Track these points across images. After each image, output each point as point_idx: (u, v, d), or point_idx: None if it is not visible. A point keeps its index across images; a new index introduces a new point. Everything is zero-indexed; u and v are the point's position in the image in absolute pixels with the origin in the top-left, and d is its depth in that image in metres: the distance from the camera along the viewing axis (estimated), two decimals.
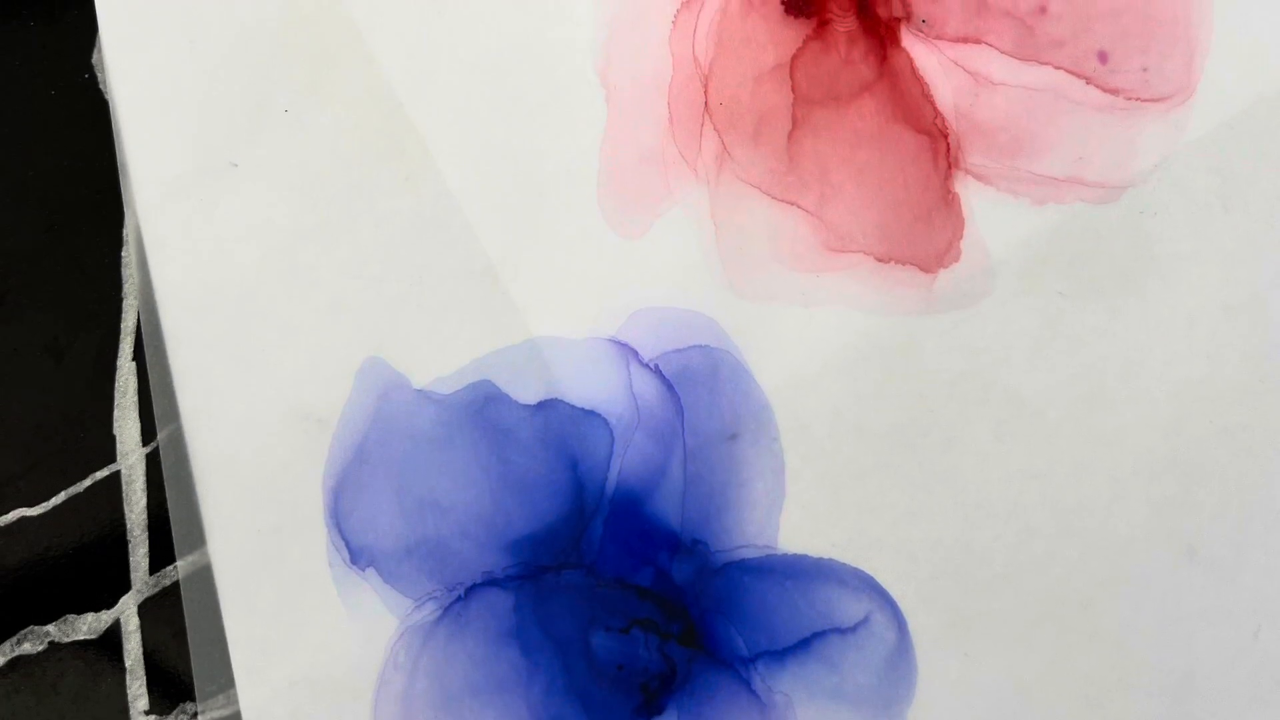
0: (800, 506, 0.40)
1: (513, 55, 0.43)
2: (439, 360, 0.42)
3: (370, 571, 0.41)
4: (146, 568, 0.42)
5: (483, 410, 0.41)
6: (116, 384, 0.43)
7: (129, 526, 0.42)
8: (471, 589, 0.40)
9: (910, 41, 0.41)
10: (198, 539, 0.41)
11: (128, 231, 0.43)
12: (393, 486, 0.41)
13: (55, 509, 0.41)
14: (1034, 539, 0.39)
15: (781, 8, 0.42)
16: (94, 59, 0.44)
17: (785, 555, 0.40)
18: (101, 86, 0.44)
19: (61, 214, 0.43)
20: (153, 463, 0.42)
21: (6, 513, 0.42)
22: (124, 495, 0.43)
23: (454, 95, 0.43)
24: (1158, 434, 0.39)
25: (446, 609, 0.40)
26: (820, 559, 0.39)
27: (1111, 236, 0.40)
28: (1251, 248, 0.40)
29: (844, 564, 0.39)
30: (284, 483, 0.41)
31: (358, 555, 0.41)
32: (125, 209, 0.42)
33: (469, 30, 0.43)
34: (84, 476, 0.42)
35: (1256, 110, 0.40)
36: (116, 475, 0.42)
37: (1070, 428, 0.39)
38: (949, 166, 0.41)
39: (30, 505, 0.42)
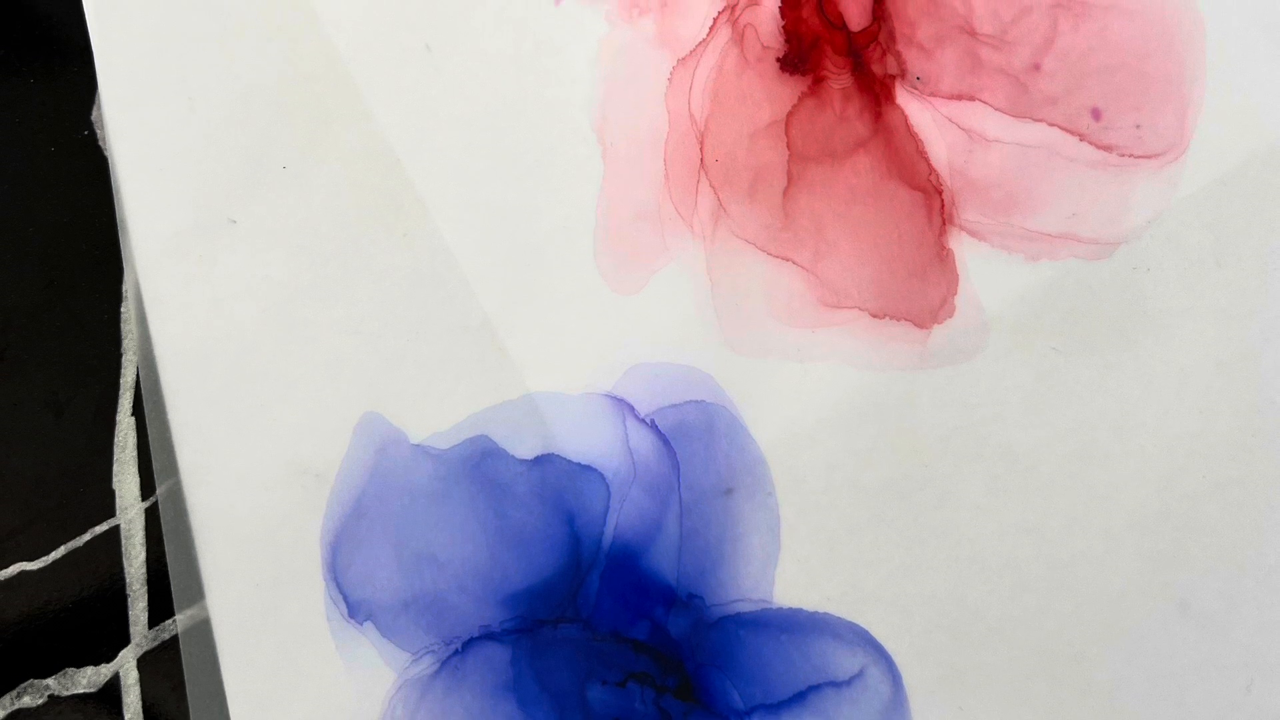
0: (795, 561, 0.40)
1: (510, 112, 0.43)
2: (436, 415, 0.42)
3: (368, 625, 0.41)
4: (145, 621, 0.43)
5: (480, 465, 0.41)
6: (116, 439, 0.43)
7: (128, 580, 0.43)
8: (469, 643, 0.41)
9: (905, 98, 0.41)
10: (196, 593, 0.41)
11: (127, 287, 0.43)
12: (390, 541, 0.41)
13: (55, 563, 0.42)
14: (1027, 593, 0.39)
15: (777, 65, 0.42)
16: (93, 116, 0.45)
17: (780, 609, 0.40)
18: (101, 143, 0.44)
19: (61, 270, 0.43)
20: (152, 517, 0.43)
21: (6, 567, 0.42)
22: (123, 549, 0.43)
23: (451, 152, 0.43)
24: (1151, 489, 0.39)
25: (444, 662, 0.41)
26: (815, 613, 0.39)
27: (1105, 292, 0.40)
28: (1244, 303, 0.40)
29: (839, 618, 0.39)
30: (282, 537, 0.41)
31: (355, 609, 0.41)
32: (125, 265, 0.43)
33: (466, 87, 0.43)
34: (83, 531, 0.43)
35: (1248, 167, 0.40)
36: (116, 530, 0.42)
37: (1064, 482, 0.40)
38: (943, 223, 0.41)
39: (30, 559, 0.42)
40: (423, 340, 0.42)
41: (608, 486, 0.41)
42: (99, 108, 0.44)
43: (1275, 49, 0.40)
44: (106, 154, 0.43)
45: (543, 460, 0.41)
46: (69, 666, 0.42)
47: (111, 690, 0.41)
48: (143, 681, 0.41)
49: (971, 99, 0.41)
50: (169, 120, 0.43)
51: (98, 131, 0.44)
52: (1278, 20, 0.40)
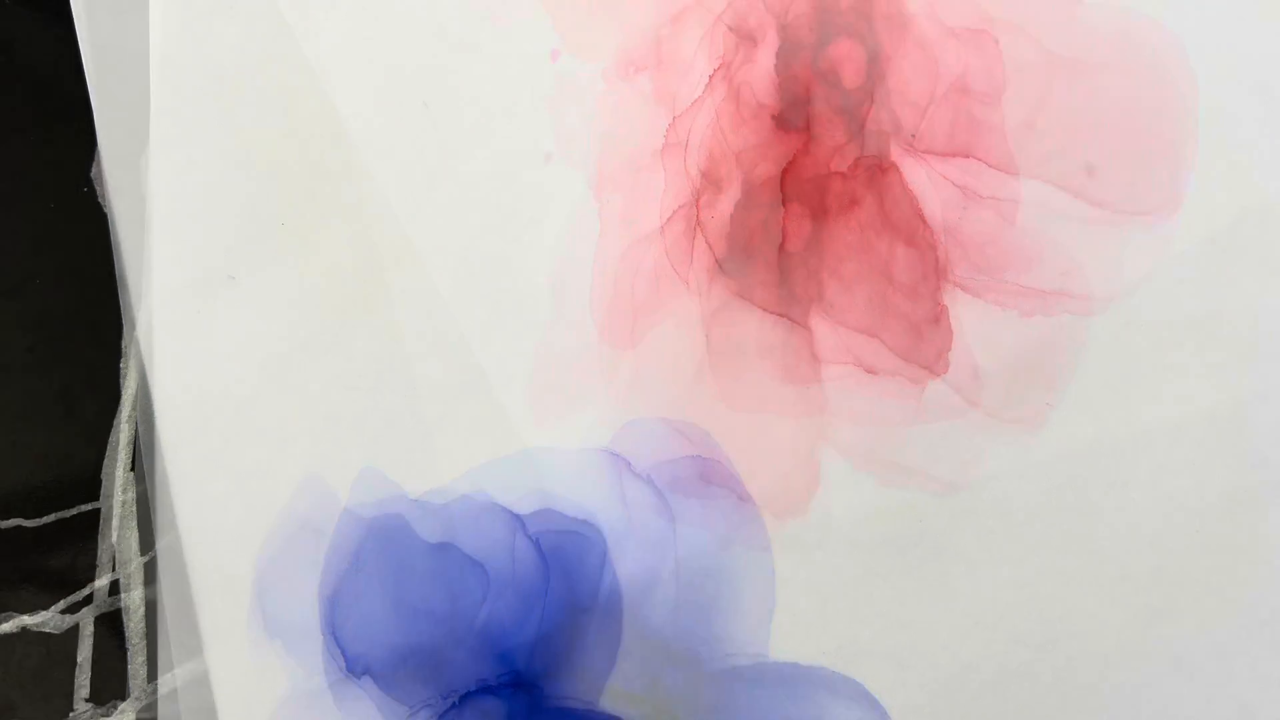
0: (791, 615, 0.41)
1: (506, 168, 0.43)
2: (434, 470, 0.43)
3: (366, 679, 0.42)
4: (145, 675, 0.46)
5: (391, 539, 0.43)
6: (111, 438, 0.47)
7: (127, 635, 0.46)
8: (465, 697, 0.42)
9: (899, 155, 0.42)
10: (195, 648, 0.43)
11: (126, 344, 0.45)
12: (388, 595, 0.43)
13: (47, 526, 0.47)
14: (1021, 648, 0.40)
15: (772, 122, 0.42)
16: (92, 172, 0.46)
17: (776, 663, 0.41)
18: (100, 200, 0.46)
19: (92, 287, 0.46)
20: (151, 571, 0.46)
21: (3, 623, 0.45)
22: (123, 604, 0.46)
23: (449, 209, 0.44)
24: (1143, 544, 0.40)
25: (330, 685, 0.43)
26: (810, 667, 0.40)
27: (1098, 348, 0.41)
28: (1237, 360, 0.40)
29: (834, 672, 0.40)
30: (227, 552, 0.44)
31: (353, 663, 0.42)
32: (124, 322, 0.45)
33: (463, 143, 0.44)
34: (84, 584, 0.46)
35: (1241, 225, 0.41)
36: (96, 511, 0.46)
37: (1057, 538, 0.40)
38: (937, 279, 0.41)
39: (27, 518, 0.47)
40: (419, 396, 0.43)
41: (604, 541, 0.42)
42: (98, 164, 0.46)
43: (1267, 109, 0.41)
44: (106, 210, 0.45)
45: (442, 547, 0.43)
46: (41, 609, 0.47)
47: (71, 636, 0.48)
48: (96, 636, 0.47)
49: (966, 156, 0.42)
50: (168, 177, 0.44)
51: (97, 188, 0.46)
52: (1270, 81, 0.41)
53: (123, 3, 0.45)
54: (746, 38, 0.41)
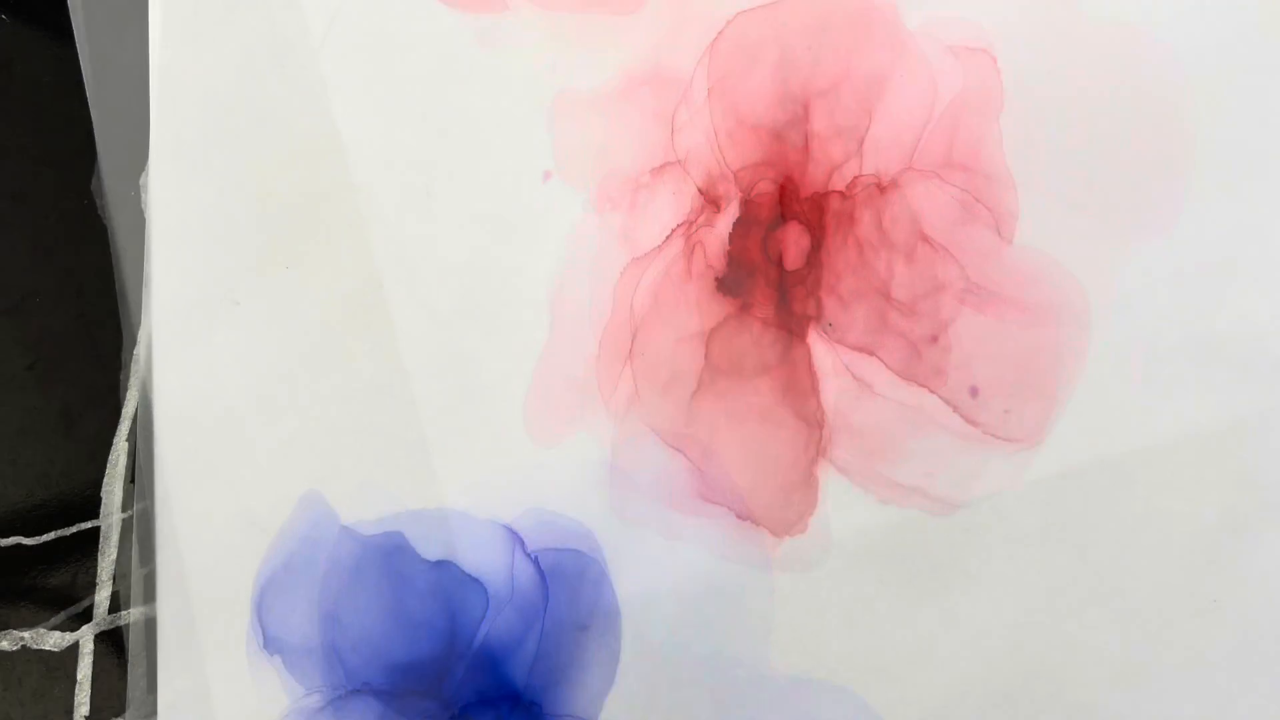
0: (625, 695, 0.46)
1: (483, 266, 0.48)
2: (365, 506, 0.48)
3: (277, 658, 0.47)
4: (144, 692, 0.49)
5: (390, 556, 0.47)
6: (110, 457, 0.50)
7: (128, 652, 0.49)
8: (351, 692, 0.46)
9: (814, 339, 0.46)
10: (150, 595, 0.48)
11: (127, 358, 0.49)
12: (308, 596, 0.48)
13: (47, 544, 0.50)
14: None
15: (715, 283, 0.47)
16: (140, 181, 0.49)
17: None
18: (100, 213, 0.49)
19: (92, 306, 0.50)
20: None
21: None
22: (122, 622, 0.49)
23: (425, 288, 0.48)
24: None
25: (329, 702, 0.47)
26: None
27: (935, 544, 0.45)
28: (1053, 582, 0.44)
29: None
30: (226, 570, 0.48)
31: (270, 642, 0.48)
32: (124, 336, 0.49)
33: (453, 236, 0.48)
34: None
35: (1091, 469, 0.44)
36: (96, 529, 0.49)
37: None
38: (817, 454, 0.46)
39: (27, 536, 0.49)
40: (367, 440, 0.48)
41: (488, 600, 0.46)
42: (98, 178, 0.49)
43: (1149, 369, 0.44)
44: (106, 224, 0.49)
45: (441, 565, 0.47)
46: (41, 626, 0.49)
47: (71, 654, 0.49)
48: (96, 653, 0.49)
49: (871, 354, 0.46)
50: (200, 206, 0.49)
51: (97, 201, 0.49)
52: (1156, 345, 0.44)
53: (121, 18, 0.49)
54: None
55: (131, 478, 0.49)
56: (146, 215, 0.48)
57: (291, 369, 0.48)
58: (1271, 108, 0.44)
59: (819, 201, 0.46)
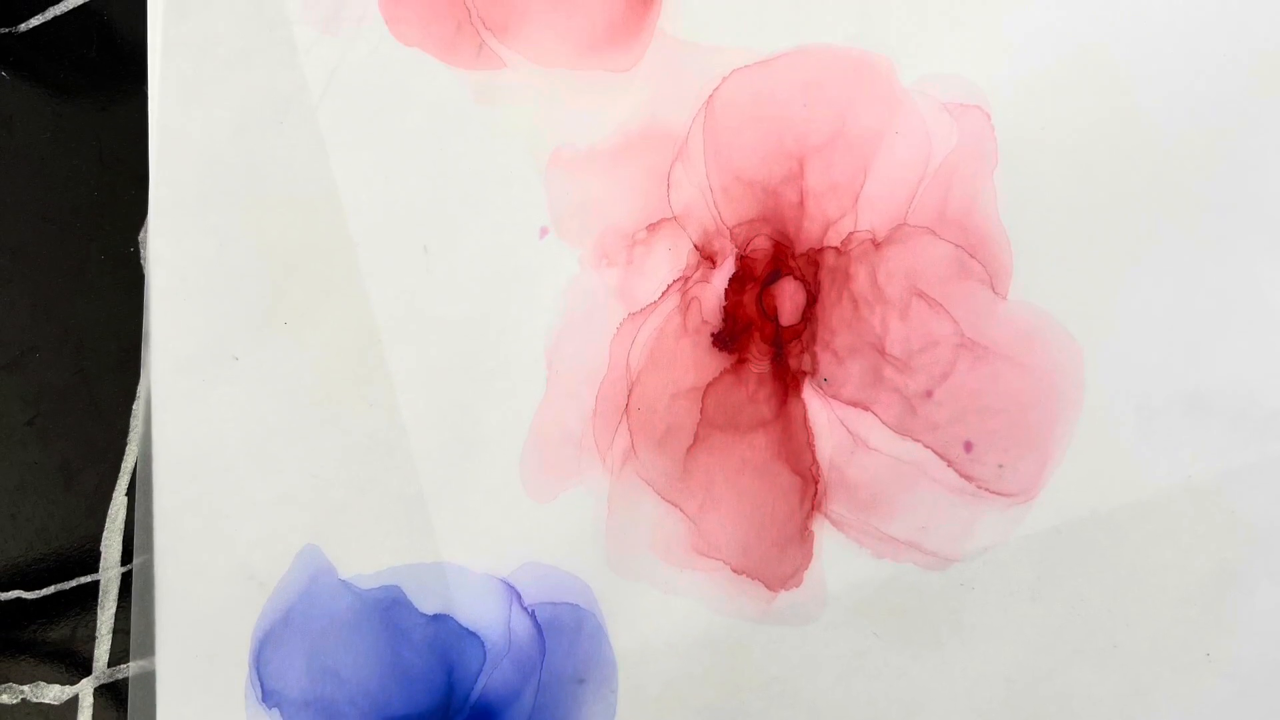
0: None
1: (480, 321, 0.48)
2: (363, 559, 0.48)
3: (275, 711, 0.48)
4: (106, 662, 0.50)
5: (388, 610, 0.48)
6: (109, 512, 0.50)
7: (98, 626, 0.50)
8: None
9: (809, 394, 0.47)
10: (149, 649, 0.49)
11: (141, 389, 0.50)
12: (306, 650, 0.48)
13: (46, 597, 0.50)
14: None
15: (710, 339, 0.47)
16: (140, 236, 0.50)
17: None
18: (142, 261, 0.50)
19: (91, 361, 0.50)
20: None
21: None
22: (99, 602, 0.50)
23: (422, 343, 0.48)
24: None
25: None
26: None
27: (930, 598, 0.46)
28: (1045, 638, 0.45)
29: None
30: (224, 623, 0.48)
31: (268, 695, 0.48)
32: (142, 370, 0.49)
33: (449, 292, 0.48)
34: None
35: (1084, 524, 0.45)
36: (95, 583, 0.50)
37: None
38: (812, 508, 0.46)
39: (27, 590, 0.50)
40: (366, 495, 0.48)
41: (485, 653, 0.47)
42: (146, 231, 0.50)
43: (1141, 426, 0.45)
44: (145, 271, 0.49)
45: (439, 619, 0.47)
46: (41, 680, 0.49)
47: (71, 707, 0.49)
48: (96, 706, 0.49)
49: (865, 409, 0.46)
50: (200, 260, 0.49)
51: (141, 250, 0.51)
52: (1149, 402, 0.45)
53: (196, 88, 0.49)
54: None
55: (131, 532, 0.49)
56: (146, 271, 0.49)
57: (290, 424, 0.48)
58: (1262, 163, 0.44)
59: (814, 257, 0.47)
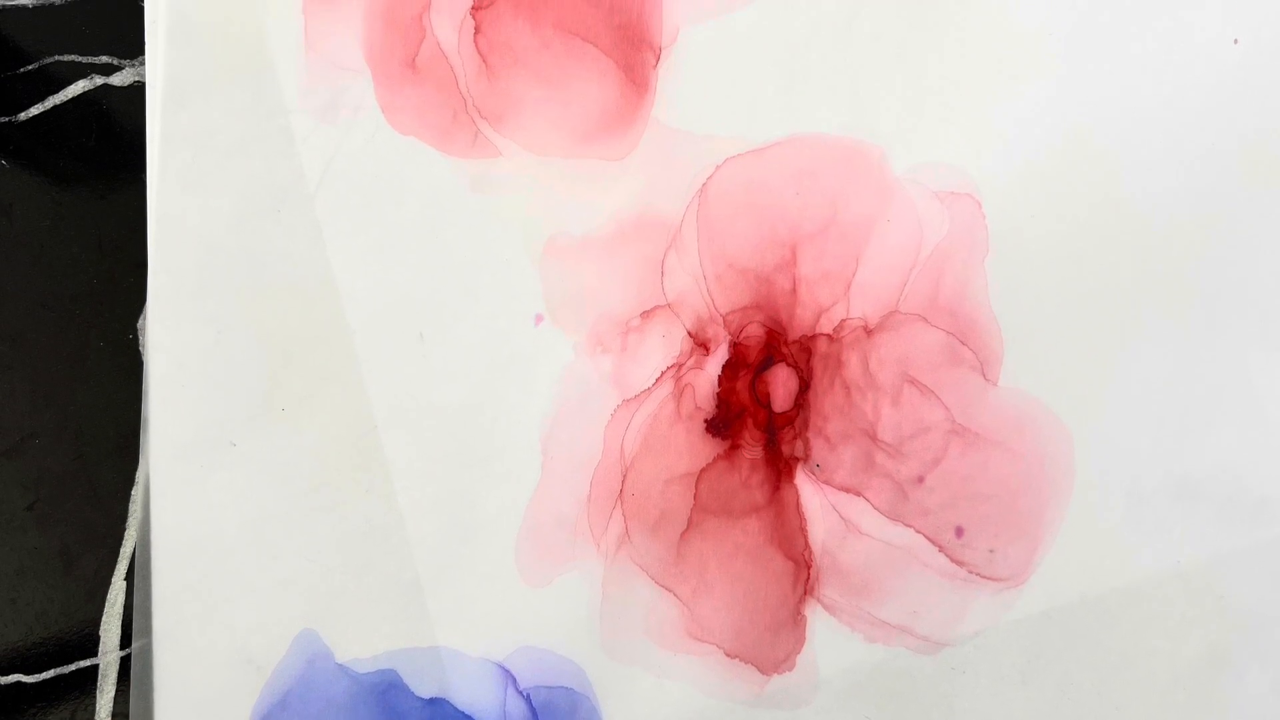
0: None
1: (475, 409, 0.49)
2: (360, 644, 0.49)
3: None
4: None
5: (385, 694, 0.48)
6: (108, 596, 0.51)
7: (97, 710, 0.50)
8: None
9: (802, 480, 0.47)
10: None
11: (140, 474, 0.50)
12: None
13: (46, 681, 0.50)
14: None
15: (704, 425, 0.48)
16: (139, 323, 0.51)
17: None
18: (141, 348, 0.51)
19: (90, 447, 0.51)
20: (124, 663, 0.50)
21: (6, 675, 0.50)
22: (98, 686, 0.50)
23: (418, 430, 0.49)
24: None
25: None
26: None
27: (922, 682, 0.47)
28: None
29: None
30: (222, 707, 0.48)
31: None
32: (141, 456, 0.50)
33: (445, 379, 0.49)
34: (70, 660, 0.50)
35: (1075, 608, 0.46)
36: (94, 667, 0.50)
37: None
38: (805, 593, 0.47)
39: (27, 674, 0.50)
40: (362, 580, 0.49)
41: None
42: (145, 319, 0.50)
43: (1131, 511, 0.46)
44: (144, 359, 0.50)
45: (435, 703, 0.48)
46: None
47: None
48: None
49: (857, 494, 0.47)
50: (198, 348, 0.49)
51: (140, 337, 0.51)
52: (1139, 488, 0.46)
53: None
54: None
55: (129, 616, 0.50)
56: (145, 357, 0.50)
57: (287, 509, 0.49)
58: (1249, 251, 0.45)
59: (807, 344, 0.47)
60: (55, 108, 0.52)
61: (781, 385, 0.48)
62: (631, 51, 0.48)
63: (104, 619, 0.51)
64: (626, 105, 0.48)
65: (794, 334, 0.47)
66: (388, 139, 0.48)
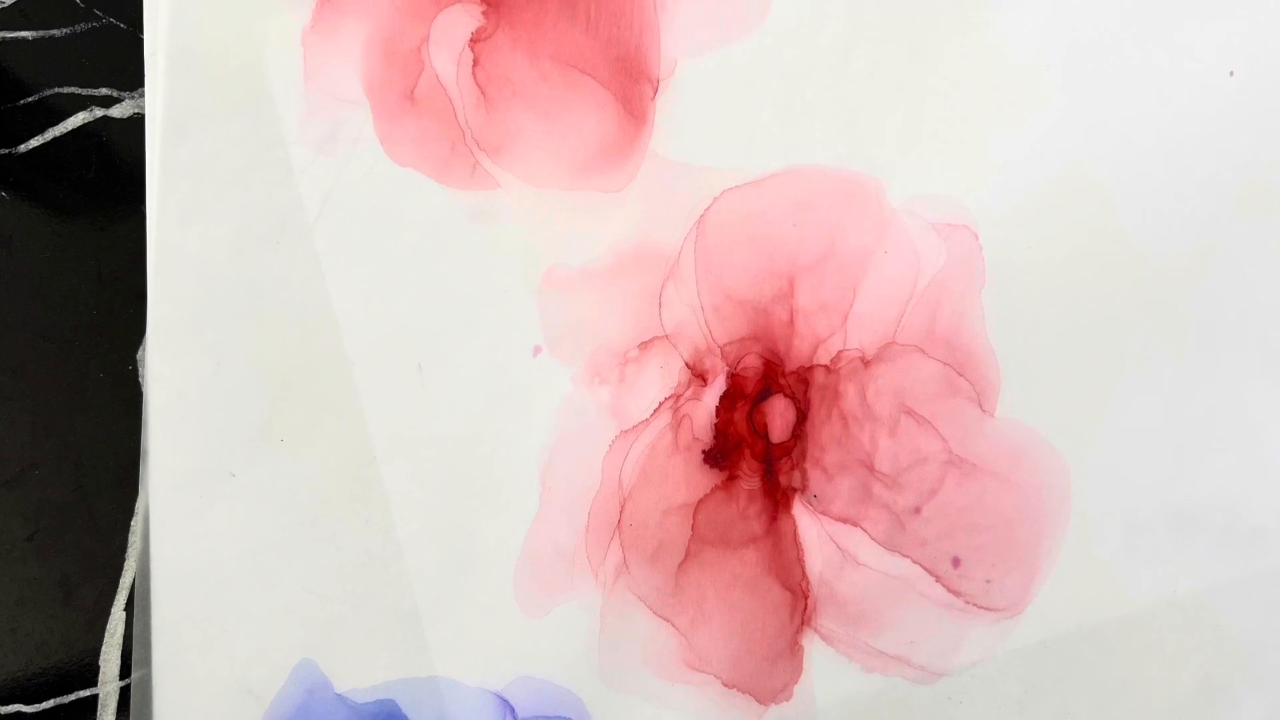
0: None
1: (473, 439, 0.49)
2: (358, 674, 0.49)
3: None
4: None
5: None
6: (108, 626, 0.51)
7: None
8: None
9: (799, 510, 0.48)
10: None
11: (139, 505, 0.50)
12: None
13: (46, 711, 0.51)
14: None
15: (701, 456, 0.48)
16: (139, 354, 0.51)
17: None
18: (141, 379, 0.51)
19: (90, 478, 0.51)
20: (124, 693, 0.50)
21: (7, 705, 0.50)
22: (97, 716, 0.50)
23: (417, 461, 0.49)
24: None
25: None
26: None
27: (919, 712, 0.47)
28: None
29: None
30: None
31: None
32: (140, 487, 0.50)
33: (443, 410, 0.49)
34: (69, 690, 0.51)
35: (1072, 638, 0.46)
36: (94, 698, 0.50)
37: None
38: (802, 623, 0.47)
39: (27, 704, 0.50)
40: (362, 611, 0.49)
41: None
42: (144, 350, 0.51)
43: (1128, 541, 0.46)
44: (144, 390, 0.50)
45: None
46: None
47: None
48: None
49: (854, 524, 0.47)
50: (197, 379, 0.50)
51: (140, 369, 0.51)
52: (1135, 518, 0.46)
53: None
54: None
55: (129, 646, 0.50)
56: (144, 388, 0.50)
57: (286, 540, 0.49)
58: (1246, 282, 0.45)
59: (804, 375, 0.48)
60: (55, 139, 0.52)
61: (779, 416, 0.48)
62: (630, 84, 0.48)
63: (104, 649, 0.51)
64: (624, 137, 0.48)
65: (791, 365, 0.47)
66: (386, 170, 0.49)
